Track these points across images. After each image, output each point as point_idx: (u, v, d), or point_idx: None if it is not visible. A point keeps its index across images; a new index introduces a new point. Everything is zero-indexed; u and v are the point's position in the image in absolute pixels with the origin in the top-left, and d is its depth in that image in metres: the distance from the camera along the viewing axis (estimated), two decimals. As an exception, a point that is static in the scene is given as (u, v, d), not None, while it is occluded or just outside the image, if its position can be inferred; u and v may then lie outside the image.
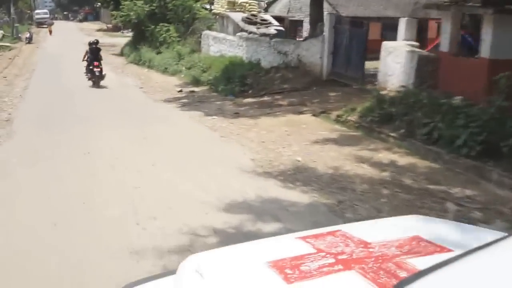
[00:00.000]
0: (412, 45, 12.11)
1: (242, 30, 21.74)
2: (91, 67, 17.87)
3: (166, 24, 26.12)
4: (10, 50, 33.38)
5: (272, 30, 21.90)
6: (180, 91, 17.60)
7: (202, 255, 2.29)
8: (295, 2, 26.18)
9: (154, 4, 26.66)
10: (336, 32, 15.91)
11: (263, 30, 21.83)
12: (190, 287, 1.98)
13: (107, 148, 9.46)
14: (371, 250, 2.08)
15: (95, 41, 18.94)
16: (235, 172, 7.83)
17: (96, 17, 65.16)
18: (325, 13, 23.15)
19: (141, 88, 18.84)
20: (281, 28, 22.53)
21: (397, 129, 10.39)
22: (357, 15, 22.64)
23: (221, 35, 22.86)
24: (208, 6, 28.27)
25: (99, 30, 51.62)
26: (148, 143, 9.87)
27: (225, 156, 8.87)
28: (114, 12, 28.92)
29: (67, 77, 20.36)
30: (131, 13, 26.49)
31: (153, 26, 26.33)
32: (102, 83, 18.13)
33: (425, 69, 10.93)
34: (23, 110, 14.09)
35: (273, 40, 18.92)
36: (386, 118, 10.79)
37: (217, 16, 25.23)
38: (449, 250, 2.03)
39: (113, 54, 31.16)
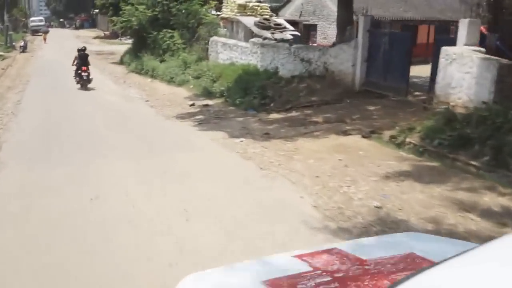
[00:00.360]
0: (479, 51, 9.86)
1: (255, 35, 19.47)
2: (79, 71, 18.48)
3: (169, 30, 23.75)
4: (3, 59, 30.85)
5: (287, 35, 19.66)
6: (193, 104, 15.28)
7: (200, 274, 2.23)
8: (308, 5, 23.93)
9: (157, 9, 24.28)
10: (371, 37, 13.65)
11: (278, 35, 19.59)
12: None
13: (119, 190, 7.12)
14: (366, 267, 2.04)
15: (83, 48, 19.56)
16: (301, 231, 5.50)
17: (93, 24, 62.56)
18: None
19: (147, 101, 16.50)
20: (296, 33, 20.27)
21: (478, 156, 8.13)
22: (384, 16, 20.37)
23: (232, 41, 20.58)
24: (214, 12, 25.84)
25: (96, 37, 49.05)
26: (171, 180, 7.53)
27: (277, 201, 6.54)
28: (114, 18, 26.53)
29: (64, 90, 17.98)
30: (132, 19, 24.13)
31: (155, 33, 23.96)
32: (89, 85, 18.58)
33: (508, 81, 8.68)
34: (14, 131, 11.70)
35: (294, 46, 16.64)
36: (460, 141, 8.53)
37: (225, 21, 22.94)
38: None
39: (112, 63, 28.78)
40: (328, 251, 2.27)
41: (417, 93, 13.25)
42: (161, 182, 7.42)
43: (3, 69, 26.60)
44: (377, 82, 13.40)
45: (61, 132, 11.29)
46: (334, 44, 15.09)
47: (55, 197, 6.85)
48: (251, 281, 2.02)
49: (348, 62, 14.16)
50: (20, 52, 35.12)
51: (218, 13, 25.43)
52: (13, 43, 37.85)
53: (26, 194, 7.06)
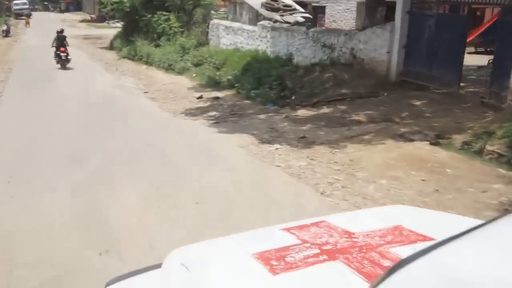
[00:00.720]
0: None
1: (263, 18, 17.10)
2: (58, 52, 18.70)
3: (165, 13, 21.23)
4: (-16, 44, 28.02)
5: (298, 18, 17.28)
6: (200, 97, 12.92)
7: (188, 248, 2.12)
8: (316, -15, 21.50)
9: (151, -10, 21.73)
10: (412, 19, 11.41)
11: (287, 17, 17.22)
12: (176, 280, 1.87)
13: (136, 235, 4.85)
14: (355, 240, 1.98)
15: (61, 30, 19.67)
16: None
17: (78, 8, 59.09)
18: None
19: (146, 93, 14.10)
20: (307, 15, 17.91)
21: None
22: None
23: (236, 24, 18.19)
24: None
25: (82, 21, 45.73)
26: (206, 216, 5.28)
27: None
28: (103, 0, 23.84)
29: (51, 81, 15.45)
30: (125, 0, 21.55)
31: (149, 15, 21.42)
32: (68, 65, 18.68)
33: None
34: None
35: (312, 30, 14.35)
36: None
37: (227, 3, 20.49)
38: (431, 239, 1.87)
39: (101, 48, 26.12)
40: (316, 224, 2.17)
41: (462, 84, 11.12)
42: (194, 220, 5.16)
43: (-17, 55, 23.87)
44: (419, 71, 11.17)
45: (48, 142, 8.78)
46: (363, 28, 12.79)
47: (51, 253, 4.56)
48: (240, 254, 1.96)
49: (382, 48, 11.91)
50: (3, 37, 32.14)
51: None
52: (-5, 27, 34.72)
53: (6, 249, 4.76)
